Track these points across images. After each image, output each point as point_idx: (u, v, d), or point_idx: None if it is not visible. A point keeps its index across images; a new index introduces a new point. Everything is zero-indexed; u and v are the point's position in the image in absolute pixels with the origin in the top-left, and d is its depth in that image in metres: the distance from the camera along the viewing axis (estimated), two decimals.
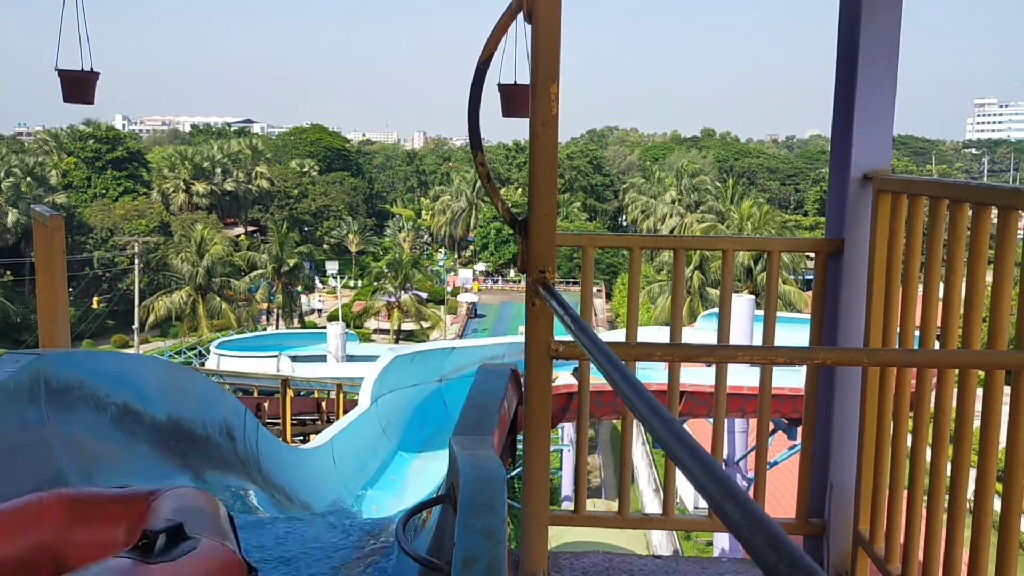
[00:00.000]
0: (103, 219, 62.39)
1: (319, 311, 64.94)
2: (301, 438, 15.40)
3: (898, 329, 3.10)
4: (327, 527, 3.90)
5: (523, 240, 1.87)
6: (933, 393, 2.81)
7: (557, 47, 1.79)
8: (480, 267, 77.09)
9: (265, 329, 51.76)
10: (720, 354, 1.84)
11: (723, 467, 0.82)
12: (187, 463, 4.95)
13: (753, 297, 20.31)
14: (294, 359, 29.54)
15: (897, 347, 3.06)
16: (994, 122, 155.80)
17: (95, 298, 52.18)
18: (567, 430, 28.06)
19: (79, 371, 4.03)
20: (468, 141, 2.08)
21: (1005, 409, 2.43)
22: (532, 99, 1.82)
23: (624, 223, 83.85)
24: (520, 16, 1.93)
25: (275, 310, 58.20)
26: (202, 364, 33.59)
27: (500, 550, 2.01)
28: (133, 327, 45.63)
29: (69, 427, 3.81)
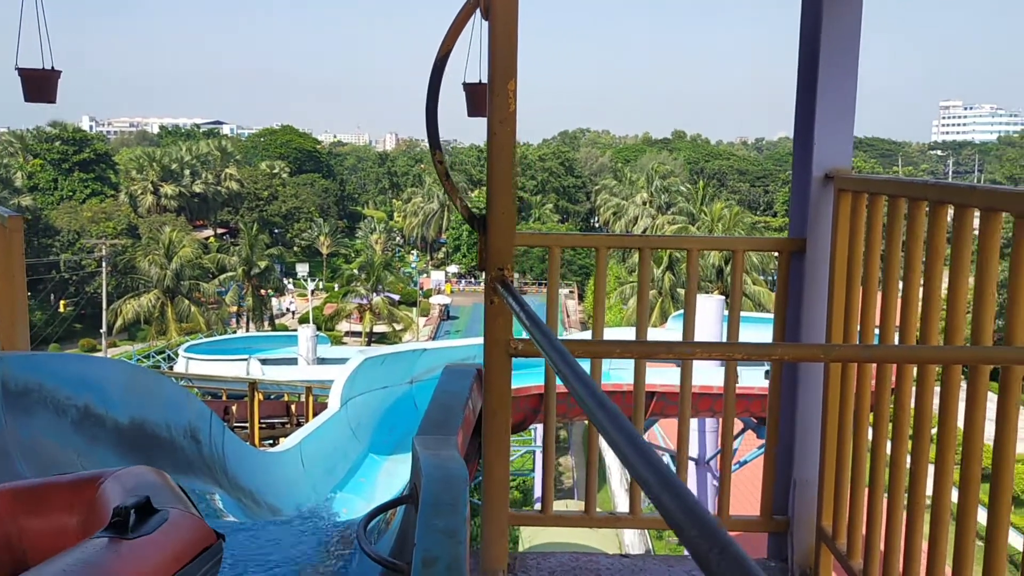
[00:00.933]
0: (70, 221, 61.52)
1: (292, 312, 64.56)
2: (270, 441, 15.29)
3: (859, 326, 3.14)
4: (293, 530, 3.87)
5: (482, 238, 1.86)
6: (893, 390, 2.84)
7: (514, 44, 1.78)
8: (452, 269, 76.96)
9: (235, 332, 51.30)
10: (679, 350, 1.84)
11: (667, 460, 0.82)
12: (151, 467, 4.88)
13: (723, 298, 20.48)
14: (264, 362, 29.32)
15: (857, 343, 3.09)
16: (959, 124, 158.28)
17: (62, 302, 51.48)
18: (539, 432, 28.09)
19: (39, 374, 3.96)
20: (429, 142, 2.07)
21: (967, 405, 2.47)
22: (490, 96, 1.82)
23: (596, 224, 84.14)
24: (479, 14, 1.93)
25: (245, 313, 57.72)
26: (171, 368, 33.24)
27: (461, 550, 2.00)
28: (101, 331, 45.03)
29: (28, 430, 3.74)
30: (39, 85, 5.70)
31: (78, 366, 4.56)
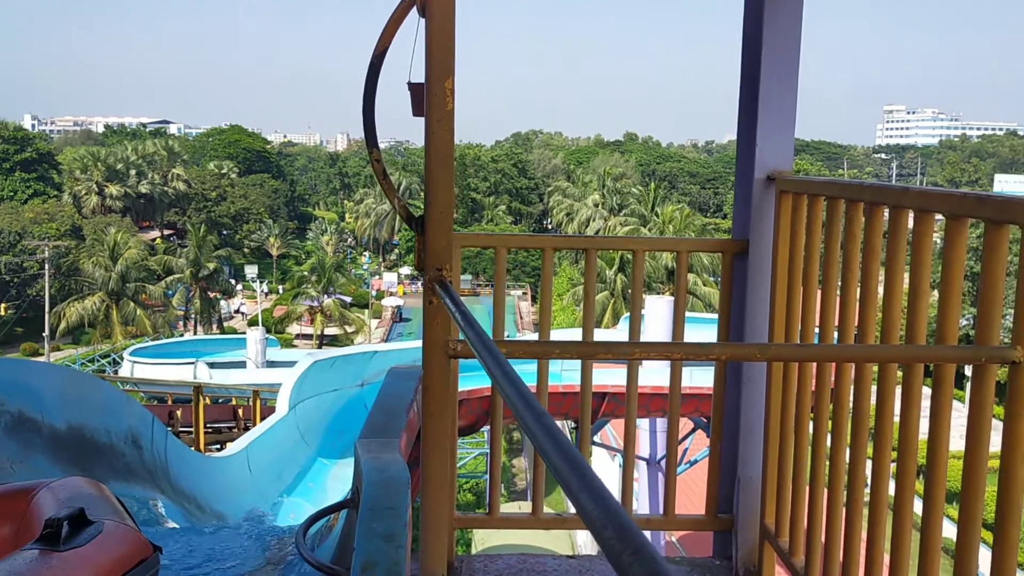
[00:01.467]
0: (11, 223, 59.89)
1: (243, 314, 63.70)
2: (217, 446, 15.04)
3: (800, 326, 3.18)
4: (235, 536, 3.80)
5: (420, 238, 1.84)
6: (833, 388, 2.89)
7: (451, 42, 1.77)
8: (405, 270, 76.56)
9: (182, 335, 50.44)
10: (618, 351, 1.84)
11: (588, 461, 0.81)
12: (89, 472, 4.76)
13: (673, 299, 20.65)
14: (212, 366, 28.87)
15: (798, 342, 3.13)
16: (902, 128, 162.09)
17: (2, 305, 50.08)
18: None
19: None
20: (366, 140, 2.04)
21: (903, 402, 2.51)
22: (427, 96, 1.80)
23: (549, 226, 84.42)
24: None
25: (193, 316, 56.78)
26: (116, 372, 32.58)
27: (401, 555, 1.97)
28: (43, 334, 43.91)
29: None
30: None
31: (11, 371, 4.43)
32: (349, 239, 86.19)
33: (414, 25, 2.00)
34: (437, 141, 1.81)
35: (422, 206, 1.94)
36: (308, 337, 55.79)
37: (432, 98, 1.77)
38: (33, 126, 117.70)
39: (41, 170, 70.79)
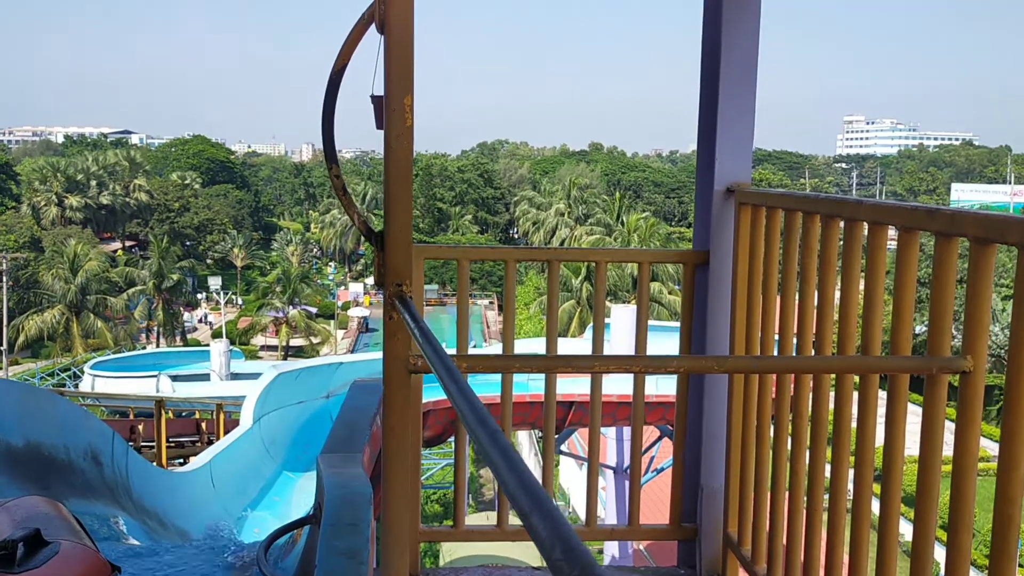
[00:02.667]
0: None
1: (210, 324, 62.96)
2: (180, 461, 14.83)
3: (760, 336, 3.22)
4: (198, 552, 3.76)
5: (379, 253, 1.85)
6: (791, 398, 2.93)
7: (410, 58, 1.78)
8: (371, 281, 76.17)
9: (144, 348, 49.71)
10: (579, 364, 1.86)
11: (552, 471, 0.81)
12: (47, 490, 4.68)
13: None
14: (175, 379, 28.49)
15: (758, 354, 3.18)
16: (862, 138, 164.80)
17: None
18: None
19: None
20: (326, 155, 2.04)
21: (860, 411, 2.56)
22: (386, 111, 1.81)
23: (516, 236, 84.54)
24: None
25: (156, 328, 55.99)
26: (76, 386, 32.02)
27: (363, 571, 1.97)
28: (1, 348, 43.03)
29: None
30: None
31: None
32: (315, 250, 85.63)
33: (376, 39, 2.00)
34: (396, 157, 1.81)
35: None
36: (273, 348, 55.27)
37: (391, 114, 1.78)
38: None
39: None
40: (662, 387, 14.58)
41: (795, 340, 2.98)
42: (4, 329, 43.14)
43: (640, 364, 1.91)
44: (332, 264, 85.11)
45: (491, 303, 66.87)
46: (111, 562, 1.94)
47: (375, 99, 5.24)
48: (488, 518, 23.59)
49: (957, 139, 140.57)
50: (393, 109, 1.79)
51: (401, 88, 1.77)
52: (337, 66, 1.87)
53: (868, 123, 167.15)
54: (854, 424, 2.59)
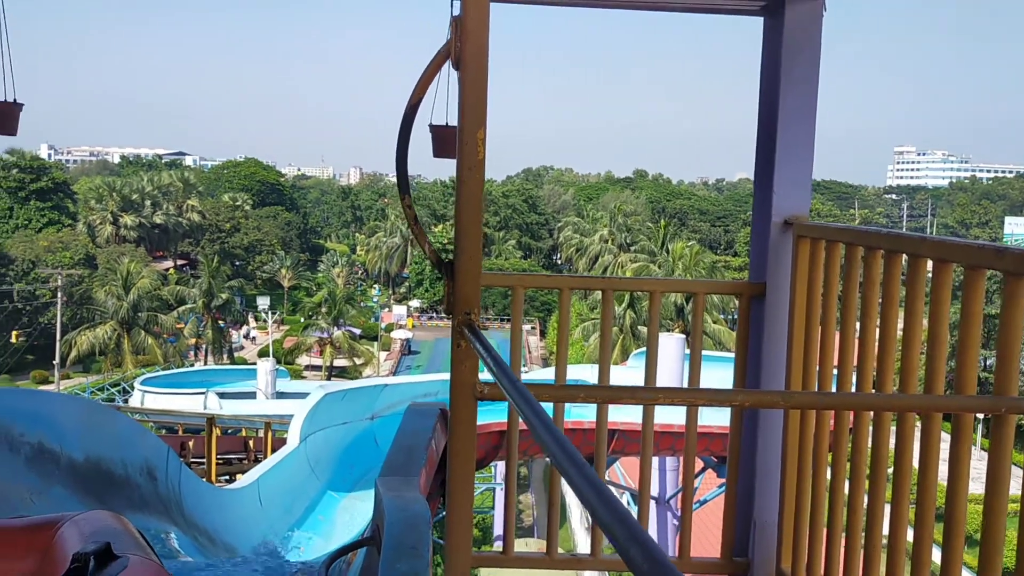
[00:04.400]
0: (25, 251, 60.37)
1: (252, 338, 63.87)
2: (227, 478, 15.02)
3: (817, 370, 3.20)
4: (251, 569, 3.81)
5: (449, 282, 1.89)
6: (851, 433, 2.90)
7: (484, 94, 1.82)
8: (415, 303, 76.68)
9: (192, 365, 50.51)
10: (642, 396, 1.87)
11: (633, 511, 0.84)
12: (105, 504, 4.78)
13: (684, 336, 20.66)
14: (222, 396, 28.89)
15: (816, 388, 3.16)
16: (912, 169, 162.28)
17: (14, 332, 50.30)
18: (500, 468, 27.93)
19: None
20: (399, 187, 2.09)
21: (922, 448, 2.53)
22: (459, 145, 1.85)
23: (559, 261, 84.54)
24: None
25: (204, 346, 56.88)
26: (126, 401, 32.61)
27: None
28: (54, 362, 44.05)
29: None
30: (1, 118, 5.64)
31: (32, 402, 4.47)
32: (360, 271, 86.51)
33: (439, 72, 2.06)
34: (467, 189, 1.86)
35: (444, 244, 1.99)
36: (317, 368, 55.79)
37: (464, 147, 1.83)
38: (49, 155, 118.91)
39: (56, 199, 71.44)
40: (705, 417, 14.40)
41: (854, 376, 2.96)
42: (57, 344, 44.17)
43: (703, 397, 1.92)
44: (376, 286, 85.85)
45: (533, 328, 66.82)
46: None
47: (434, 128, 5.31)
48: (527, 544, 23.44)
49: (1011, 171, 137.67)
50: (466, 142, 1.84)
51: (475, 122, 1.82)
52: (412, 100, 1.92)
53: (919, 154, 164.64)
54: (915, 462, 2.56)
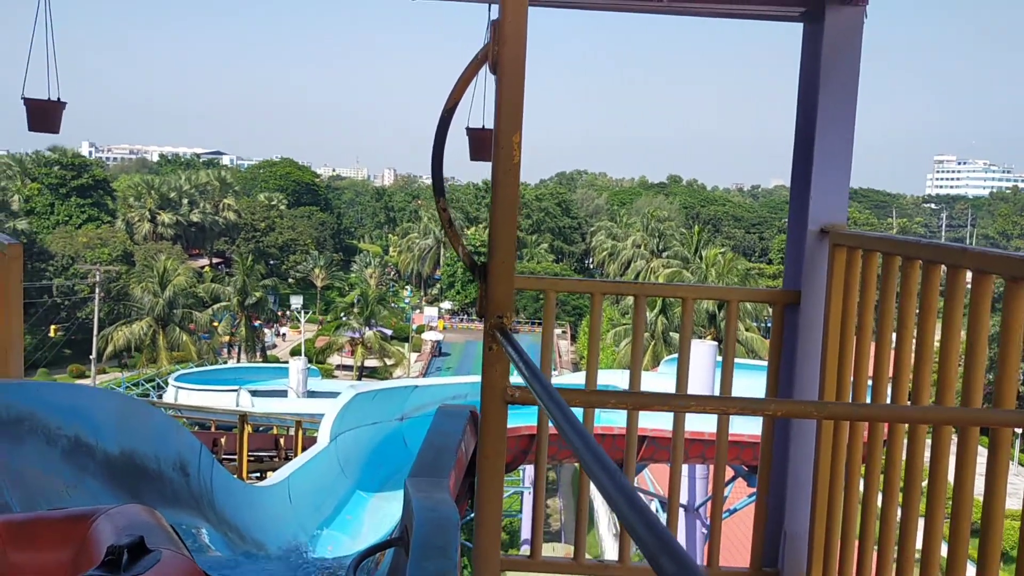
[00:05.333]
0: (65, 246, 61.44)
1: (283, 335, 64.52)
2: (258, 475, 15.16)
3: (852, 380, 3.16)
4: (280, 566, 3.85)
5: (482, 285, 1.89)
6: (884, 445, 2.87)
7: (520, 99, 1.83)
8: (446, 305, 76.93)
9: (226, 362, 51.08)
10: (674, 403, 1.86)
11: (662, 518, 0.84)
12: (138, 499, 4.85)
13: (716, 343, 20.47)
14: (254, 394, 29.17)
15: (850, 399, 3.12)
16: (952, 179, 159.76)
17: (52, 327, 51.18)
18: (528, 472, 27.91)
19: (30, 403, 3.96)
20: (434, 190, 2.10)
21: (958, 461, 2.48)
22: (495, 148, 1.86)
23: (591, 266, 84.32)
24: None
25: (237, 343, 57.49)
26: (160, 397, 33.04)
27: None
28: (90, 357, 44.78)
29: (17, 460, 3.73)
30: (43, 116, 5.74)
31: (70, 395, 4.55)
32: (392, 272, 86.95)
33: (476, 76, 2.06)
34: (503, 192, 1.86)
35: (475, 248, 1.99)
36: (348, 368, 56.14)
37: (499, 151, 1.83)
38: (90, 153, 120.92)
39: (96, 196, 72.62)
40: (736, 425, 14.27)
41: (889, 387, 2.92)
42: (94, 339, 44.89)
43: (735, 406, 1.91)
44: (408, 287, 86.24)
45: (563, 332, 66.71)
46: (206, 572, 2.00)
47: (471, 132, 5.32)
48: (555, 549, 23.37)
49: None
50: (502, 146, 1.84)
51: (511, 126, 1.82)
52: (449, 104, 1.93)
53: (959, 163, 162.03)
54: (951, 475, 2.52)
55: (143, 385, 39.31)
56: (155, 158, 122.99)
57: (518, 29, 1.78)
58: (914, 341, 2.73)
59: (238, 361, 53.50)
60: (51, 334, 49.98)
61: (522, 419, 11.01)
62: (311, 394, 30.18)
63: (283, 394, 30.44)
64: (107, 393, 5.89)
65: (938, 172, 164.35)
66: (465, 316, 75.22)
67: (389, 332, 60.14)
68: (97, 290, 47.27)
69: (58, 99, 5.83)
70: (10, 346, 4.49)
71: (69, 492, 4.08)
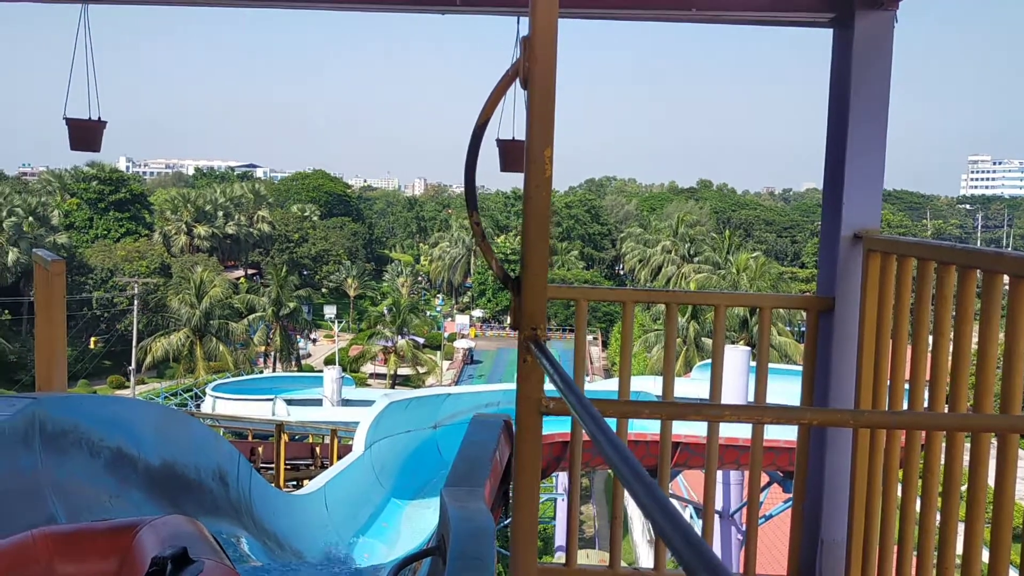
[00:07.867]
0: (104, 260, 62.49)
1: (314, 340, 65.06)
2: (294, 483, 15.30)
3: (888, 387, 3.14)
4: (320, 575, 3.89)
5: (516, 298, 1.91)
6: (922, 452, 2.84)
7: (551, 113, 1.85)
8: (477, 313, 77.08)
9: (262, 372, 51.57)
10: (708, 413, 1.87)
11: (699, 530, 0.85)
12: (179, 508, 4.93)
13: (748, 349, 20.31)
14: (290, 403, 29.44)
15: (886, 406, 3.10)
16: (988, 179, 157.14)
17: (92, 338, 52.04)
18: (561, 478, 27.85)
19: (74, 415, 4.04)
20: (467, 204, 2.13)
21: (998, 467, 2.46)
22: (527, 162, 1.88)
23: (621, 272, 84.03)
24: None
25: (273, 353, 58.04)
26: (198, 407, 33.44)
27: None
28: (130, 368, 45.47)
29: (62, 472, 3.81)
30: (85, 135, 5.86)
31: (112, 408, 4.64)
32: (423, 281, 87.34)
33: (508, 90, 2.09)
34: (535, 206, 1.88)
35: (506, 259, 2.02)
36: (381, 376, 56.42)
37: (532, 165, 1.86)
38: (127, 168, 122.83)
39: (134, 210, 73.80)
40: (771, 431, 14.19)
41: (926, 393, 2.89)
42: (133, 350, 45.57)
43: (770, 415, 1.91)
44: (440, 296, 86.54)
45: (595, 339, 66.55)
46: None
47: (501, 143, 5.35)
48: (589, 557, 23.28)
49: None
50: (533, 161, 1.86)
51: (542, 141, 1.84)
52: (481, 119, 1.96)
53: (995, 163, 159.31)
54: (991, 482, 2.50)
55: (181, 395, 39.83)
56: (190, 172, 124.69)
57: (548, 45, 1.81)
58: (951, 346, 2.71)
59: (273, 370, 54.00)
60: (91, 346, 50.82)
61: (555, 426, 11.03)
62: (346, 402, 30.40)
63: (318, 403, 30.68)
64: (147, 405, 6.00)
65: (973, 172, 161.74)
66: (496, 323, 75.30)
67: (421, 340, 60.37)
68: (135, 302, 48.01)
69: (99, 118, 5.95)
70: (54, 359, 4.60)
71: (113, 503, 4.17)
